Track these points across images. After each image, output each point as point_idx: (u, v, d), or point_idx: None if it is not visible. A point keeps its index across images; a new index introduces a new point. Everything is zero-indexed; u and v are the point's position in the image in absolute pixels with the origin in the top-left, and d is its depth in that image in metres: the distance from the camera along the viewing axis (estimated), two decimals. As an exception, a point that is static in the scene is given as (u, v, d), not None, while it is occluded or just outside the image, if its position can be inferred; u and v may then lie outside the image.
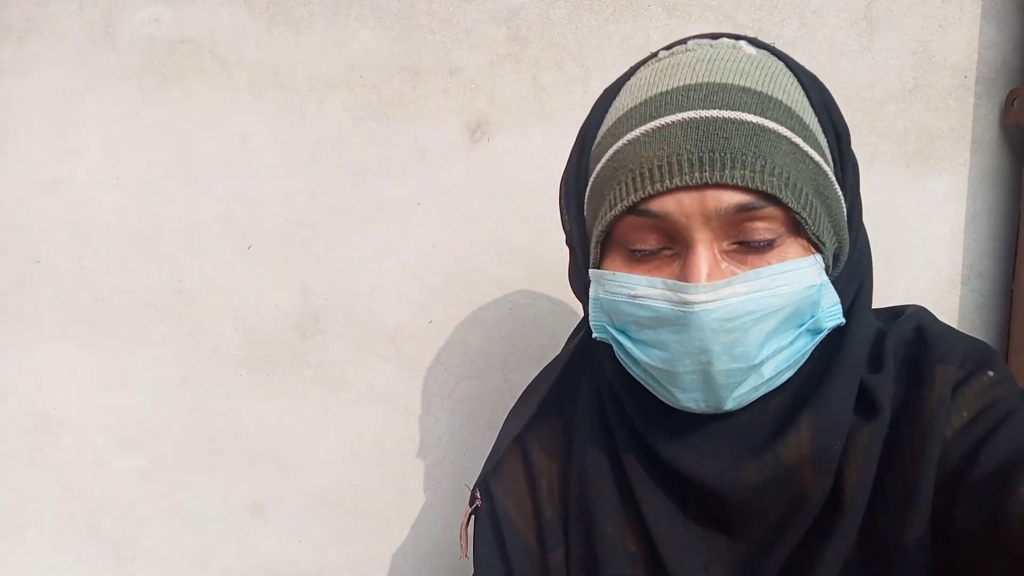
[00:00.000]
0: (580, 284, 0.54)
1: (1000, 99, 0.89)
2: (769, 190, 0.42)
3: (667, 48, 0.50)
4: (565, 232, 0.56)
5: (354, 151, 0.89)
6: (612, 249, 0.48)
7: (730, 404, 0.46)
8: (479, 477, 0.62)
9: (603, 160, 0.47)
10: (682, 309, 0.44)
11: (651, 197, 0.44)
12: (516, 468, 0.61)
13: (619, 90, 0.50)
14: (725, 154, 0.42)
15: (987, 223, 0.92)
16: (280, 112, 0.89)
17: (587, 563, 0.55)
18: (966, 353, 0.50)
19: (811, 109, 0.47)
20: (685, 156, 0.43)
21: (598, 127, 0.51)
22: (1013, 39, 0.88)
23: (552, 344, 0.94)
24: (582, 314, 0.58)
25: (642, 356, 0.47)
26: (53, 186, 0.91)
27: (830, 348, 0.49)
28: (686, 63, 0.46)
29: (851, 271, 0.50)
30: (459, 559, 0.64)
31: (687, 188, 0.43)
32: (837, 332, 0.49)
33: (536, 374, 0.66)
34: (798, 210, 0.43)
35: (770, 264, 0.44)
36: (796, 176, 0.43)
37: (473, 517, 0.62)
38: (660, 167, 0.43)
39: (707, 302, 0.43)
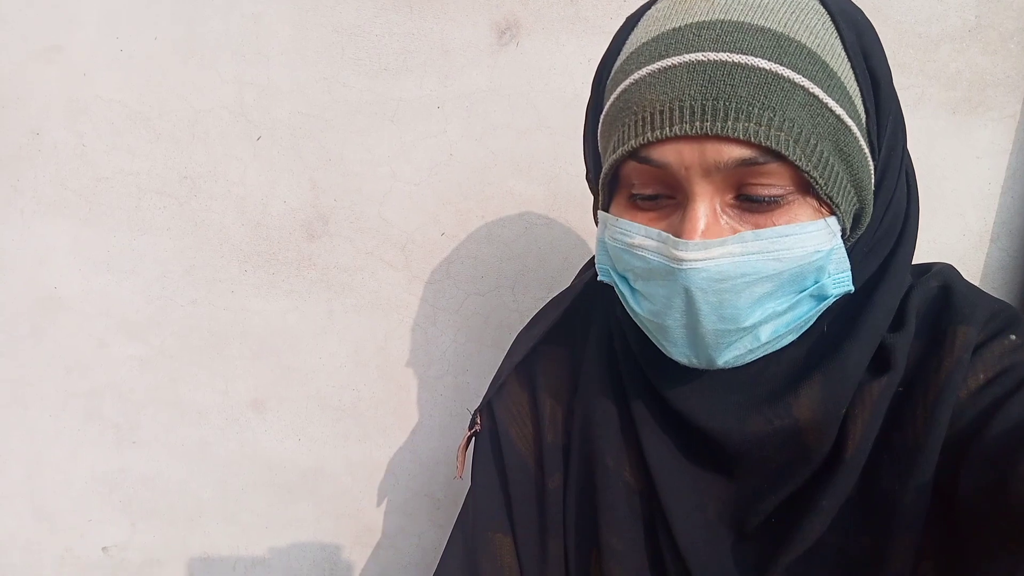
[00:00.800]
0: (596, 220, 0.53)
1: (1064, 48, 0.84)
2: (774, 146, 0.39)
3: None
4: (586, 165, 0.53)
5: (373, 44, 0.84)
6: (619, 191, 0.47)
7: (721, 363, 0.45)
8: (483, 400, 0.62)
9: (612, 97, 0.45)
10: (672, 264, 0.42)
11: (651, 144, 0.41)
12: (520, 392, 0.61)
13: (639, 20, 0.46)
14: (730, 103, 0.39)
15: (1026, 180, 0.89)
16: (296, -6, 0.83)
17: (584, 490, 0.56)
18: (989, 315, 0.48)
19: (843, 52, 0.42)
20: (688, 103, 0.40)
21: (615, 59, 0.47)
22: (1092, -19, 0.81)
23: (566, 268, 0.92)
24: (597, 245, 0.56)
25: (635, 306, 0.46)
26: (50, 54, 0.86)
27: (854, 308, 0.47)
28: None
29: (879, 234, 0.47)
30: (453, 478, 0.65)
31: (687, 138, 0.40)
32: (865, 291, 0.47)
33: (547, 299, 0.65)
34: (808, 169, 0.40)
35: (775, 225, 0.41)
36: (811, 131, 0.40)
37: (473, 440, 0.62)
38: (662, 112, 0.40)
39: (697, 260, 0.41)
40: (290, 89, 0.86)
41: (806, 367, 0.47)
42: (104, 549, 1.03)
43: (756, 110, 0.39)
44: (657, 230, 0.43)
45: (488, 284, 0.93)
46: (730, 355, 0.44)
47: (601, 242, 0.49)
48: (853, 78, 0.42)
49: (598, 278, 0.50)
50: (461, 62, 0.85)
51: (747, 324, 0.43)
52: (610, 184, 0.47)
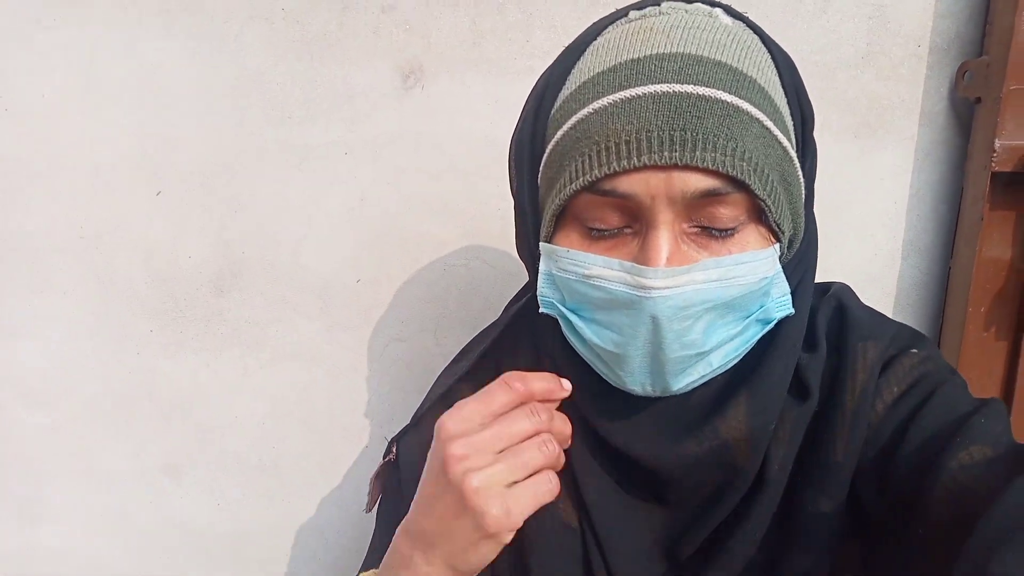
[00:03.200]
0: (528, 252, 0.51)
1: (951, 71, 0.87)
2: (738, 175, 0.40)
3: (638, 8, 0.46)
4: (513, 195, 0.52)
5: (276, 91, 0.83)
6: (567, 223, 0.46)
7: (677, 388, 0.45)
8: (399, 431, 0.60)
9: (564, 127, 0.44)
10: (638, 293, 0.42)
11: (616, 175, 0.41)
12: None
13: (584, 49, 0.46)
14: (697, 134, 0.40)
15: (930, 198, 0.91)
16: (194, 41, 0.81)
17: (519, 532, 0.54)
18: (893, 332, 0.50)
19: (782, 89, 0.44)
20: (656, 133, 0.40)
21: (559, 88, 0.47)
22: (968, 8, 0.85)
23: (487, 308, 0.90)
24: (520, 278, 0.56)
25: (592, 337, 0.46)
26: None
27: (769, 330, 0.48)
28: (660, 28, 0.43)
29: (799, 257, 0.49)
30: (363, 512, 0.63)
31: (654, 168, 0.40)
32: None
33: (471, 339, 0.64)
34: (764, 197, 0.41)
35: (731, 252, 0.42)
36: (764, 161, 0.41)
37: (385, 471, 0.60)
38: (628, 142, 0.40)
39: (665, 288, 0.41)
40: (194, 137, 0.84)
41: (731, 386, 0.48)
42: (10, 636, 0.96)
43: (721, 141, 0.40)
44: (618, 260, 0.43)
45: (410, 329, 0.91)
46: (686, 380, 0.45)
47: (546, 275, 0.48)
48: (789, 114, 0.45)
49: (540, 310, 0.49)
50: (366, 107, 0.84)
51: (704, 349, 0.44)
52: (558, 216, 0.46)
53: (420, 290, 0.90)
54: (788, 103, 0.45)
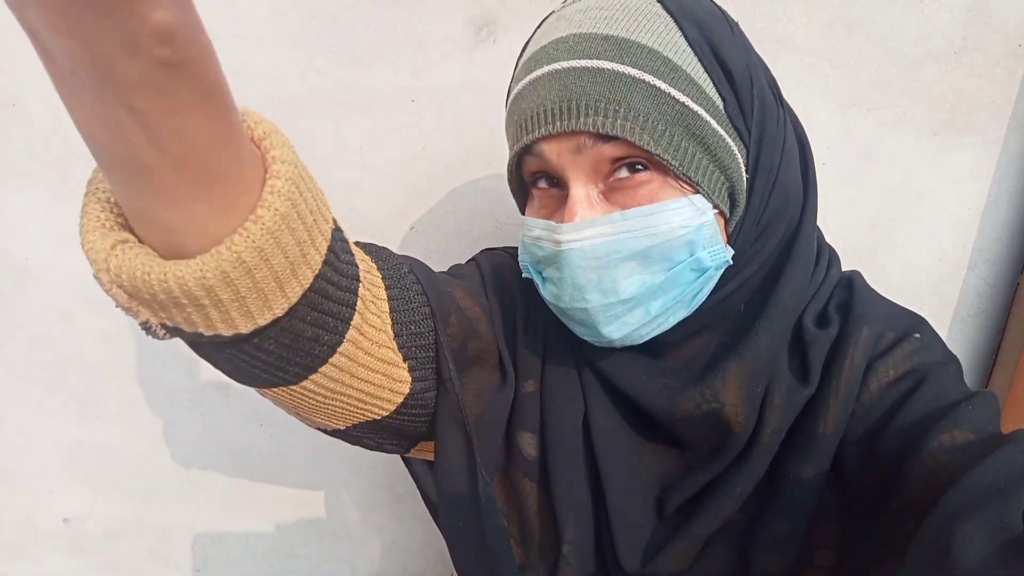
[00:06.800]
0: None
1: (1053, 75, 0.82)
2: (621, 134, 0.44)
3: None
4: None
5: (348, 32, 0.83)
6: (531, 197, 0.53)
7: (617, 337, 0.49)
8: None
9: (507, 110, 0.52)
10: (555, 248, 0.48)
11: (529, 146, 0.48)
12: (498, 273, 0.61)
13: (529, 40, 0.53)
14: (580, 101, 0.45)
15: (1008, 207, 0.87)
16: (274, -22, 0.83)
17: (550, 450, 0.56)
18: (891, 316, 0.53)
19: (686, 46, 0.46)
20: (548, 107, 0.46)
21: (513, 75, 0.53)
22: (1082, 8, 0.79)
23: (532, 268, 0.91)
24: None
25: (546, 295, 0.52)
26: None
27: (763, 293, 0.51)
28: (568, 15, 0.48)
29: (767, 215, 0.50)
30: None
31: (553, 136, 0.46)
32: (773, 274, 0.51)
33: None
34: (657, 152, 0.44)
35: (640, 205, 0.46)
36: (657, 118, 0.44)
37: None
38: (532, 117, 0.47)
39: (572, 241, 0.47)
40: (263, 73, 0.85)
41: (726, 348, 0.51)
42: (65, 520, 1.04)
43: (603, 105, 0.44)
44: (546, 221, 0.50)
45: (454, 281, 0.92)
46: (624, 330, 0.49)
47: (522, 242, 0.54)
48: (702, 69, 0.46)
49: (523, 275, 0.55)
50: (436, 56, 0.84)
51: (626, 296, 0.47)
52: (521, 189, 0.54)
53: (471, 244, 0.91)
54: (700, 58, 0.46)
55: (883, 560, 0.43)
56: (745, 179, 0.48)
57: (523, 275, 0.55)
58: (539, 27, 0.52)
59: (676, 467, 0.54)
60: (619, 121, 0.44)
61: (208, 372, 0.97)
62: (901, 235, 0.87)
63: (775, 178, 0.50)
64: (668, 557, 0.52)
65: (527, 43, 0.53)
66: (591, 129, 0.44)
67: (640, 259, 0.47)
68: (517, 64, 0.53)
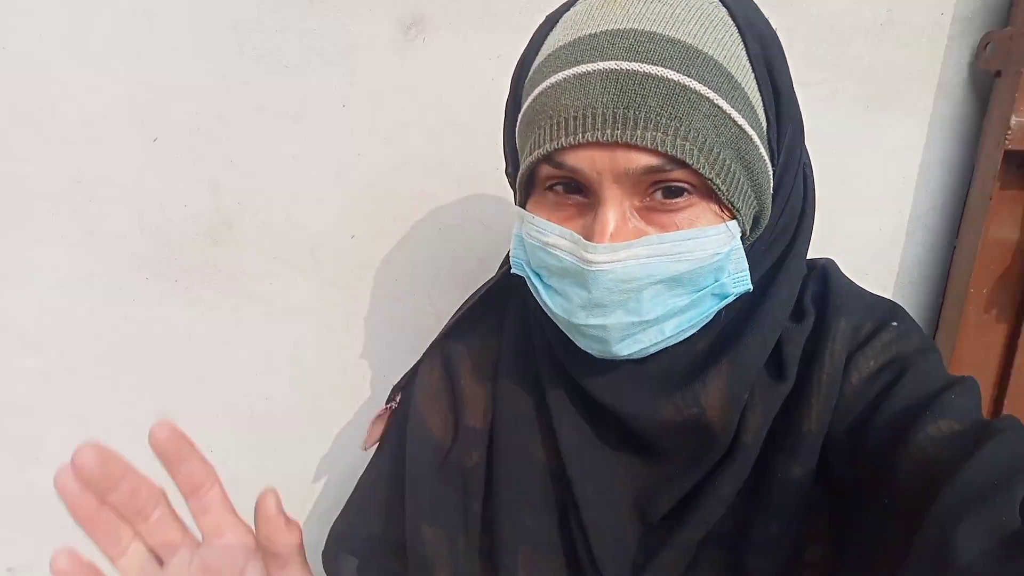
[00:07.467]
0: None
1: (974, 42, 0.84)
2: (679, 154, 0.41)
3: None
4: (505, 160, 0.54)
5: (273, 39, 0.80)
6: (536, 189, 0.48)
7: (625, 354, 0.47)
8: (400, 379, 0.64)
9: (530, 98, 0.46)
10: (582, 265, 0.44)
11: (565, 149, 0.43)
12: (439, 374, 0.62)
13: (558, 21, 0.47)
14: (640, 112, 0.40)
15: (940, 174, 0.89)
16: (189, -13, 0.79)
17: (503, 469, 0.57)
18: (867, 307, 0.52)
19: (748, 63, 0.44)
20: (600, 110, 0.41)
21: (534, 58, 0.48)
22: (996, -25, 0.81)
23: (481, 270, 0.89)
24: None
25: (547, 301, 0.48)
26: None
27: (754, 299, 0.49)
28: (622, 2, 0.43)
29: (776, 232, 0.49)
30: (362, 449, 0.67)
31: (599, 144, 0.42)
32: (763, 284, 0.49)
33: (464, 298, 0.65)
34: (711, 176, 0.42)
35: (679, 228, 0.44)
36: (714, 140, 0.42)
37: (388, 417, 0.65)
38: (576, 118, 0.42)
39: (605, 262, 0.43)
40: (187, 88, 0.82)
41: (711, 357, 0.49)
42: (9, 570, 0.98)
43: (664, 120, 0.40)
44: (570, 231, 0.45)
45: (402, 288, 0.90)
46: (635, 347, 0.47)
47: (517, 236, 0.51)
48: (756, 89, 0.44)
49: (511, 271, 0.52)
50: (366, 59, 0.82)
51: (649, 318, 0.45)
52: (527, 183, 0.48)
53: (414, 249, 0.89)
54: (757, 77, 0.44)
55: (878, 555, 0.42)
56: (769, 202, 0.47)
57: (512, 271, 0.52)
58: (575, 3, 0.47)
59: (653, 475, 0.52)
60: (679, 140, 0.40)
61: (147, 402, 0.93)
62: (840, 209, 0.89)
63: (788, 197, 0.49)
64: (658, 567, 0.51)
65: (556, 19, 0.47)
66: (648, 145, 0.40)
67: (671, 283, 0.45)
68: (545, 36, 0.47)
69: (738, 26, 0.43)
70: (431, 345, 0.64)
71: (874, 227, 0.90)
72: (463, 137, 0.84)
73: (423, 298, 0.91)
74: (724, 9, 0.44)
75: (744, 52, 0.43)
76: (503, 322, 0.60)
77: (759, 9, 0.47)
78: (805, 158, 0.51)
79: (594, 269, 0.43)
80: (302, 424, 0.94)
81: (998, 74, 0.80)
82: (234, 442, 0.94)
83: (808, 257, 0.56)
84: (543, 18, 0.49)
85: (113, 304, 0.88)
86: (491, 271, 0.85)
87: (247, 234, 0.86)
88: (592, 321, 0.46)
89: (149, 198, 0.85)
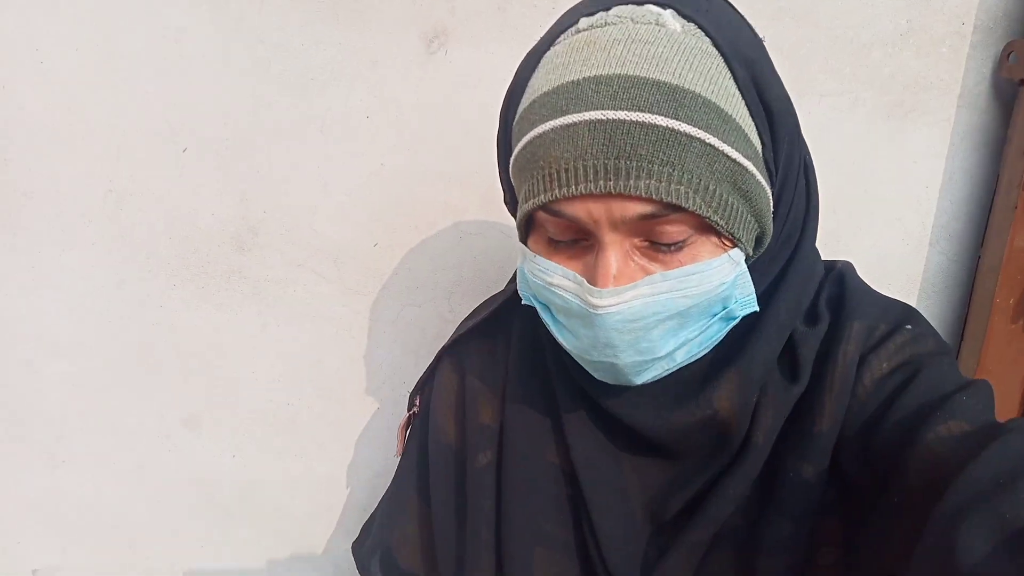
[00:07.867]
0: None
1: (996, 51, 0.83)
2: (674, 200, 0.41)
3: (588, 14, 0.45)
4: (503, 188, 0.54)
5: (298, 55, 0.82)
6: (536, 230, 0.48)
7: (639, 382, 0.48)
8: (416, 384, 0.68)
9: (520, 145, 0.45)
10: (588, 309, 0.44)
11: (559, 200, 0.43)
12: (451, 377, 0.64)
13: (539, 61, 0.46)
14: (631, 162, 0.40)
15: (964, 183, 0.88)
16: (217, 7, 0.81)
17: (517, 471, 0.59)
18: (882, 310, 0.52)
19: (736, 91, 0.43)
20: (591, 162, 0.41)
21: (520, 98, 0.47)
22: (1018, -16, 0.81)
23: (501, 277, 0.90)
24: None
25: (557, 335, 0.49)
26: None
27: (761, 303, 0.49)
28: (602, 44, 0.42)
29: (779, 244, 0.50)
30: (394, 456, 0.70)
31: (593, 195, 0.42)
32: (769, 290, 0.50)
33: None
34: (708, 215, 0.42)
35: (681, 264, 0.44)
36: (709, 178, 0.41)
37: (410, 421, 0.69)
38: (567, 170, 0.42)
39: (611, 305, 0.43)
40: (216, 101, 0.84)
41: (721, 363, 0.50)
42: (34, 572, 1.00)
43: (656, 167, 0.40)
44: (574, 272, 0.45)
45: (423, 295, 0.91)
46: (648, 376, 0.48)
47: (521, 271, 0.51)
48: (748, 115, 0.43)
49: (522, 302, 0.52)
50: (390, 73, 0.83)
51: (662, 354, 0.46)
52: (527, 223, 0.48)
53: (435, 257, 0.90)
54: (747, 103, 0.43)
55: (888, 555, 0.42)
56: (771, 222, 0.47)
57: (522, 302, 0.52)
58: (554, 44, 0.46)
59: (665, 477, 0.53)
60: (672, 185, 0.40)
61: (173, 407, 0.94)
62: (863, 218, 0.88)
63: (789, 209, 0.49)
64: (669, 567, 0.51)
65: (538, 58, 0.46)
66: (642, 194, 0.40)
67: (679, 318, 0.45)
68: (528, 78, 0.47)
69: (723, 55, 0.42)
70: (442, 349, 0.66)
71: (897, 236, 0.89)
72: (483, 148, 0.85)
73: (443, 305, 0.92)
74: (707, 40, 0.43)
75: (732, 81, 0.42)
76: (513, 325, 0.61)
77: (742, 20, 0.46)
78: (804, 152, 0.50)
79: (601, 312, 0.43)
80: (325, 429, 0.95)
81: (1021, 83, 0.80)
82: (258, 447, 0.96)
83: (826, 259, 0.56)
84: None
85: (142, 310, 0.90)
86: (511, 276, 0.87)
87: (272, 242, 0.88)
88: (604, 359, 0.46)
89: (178, 207, 0.87)
